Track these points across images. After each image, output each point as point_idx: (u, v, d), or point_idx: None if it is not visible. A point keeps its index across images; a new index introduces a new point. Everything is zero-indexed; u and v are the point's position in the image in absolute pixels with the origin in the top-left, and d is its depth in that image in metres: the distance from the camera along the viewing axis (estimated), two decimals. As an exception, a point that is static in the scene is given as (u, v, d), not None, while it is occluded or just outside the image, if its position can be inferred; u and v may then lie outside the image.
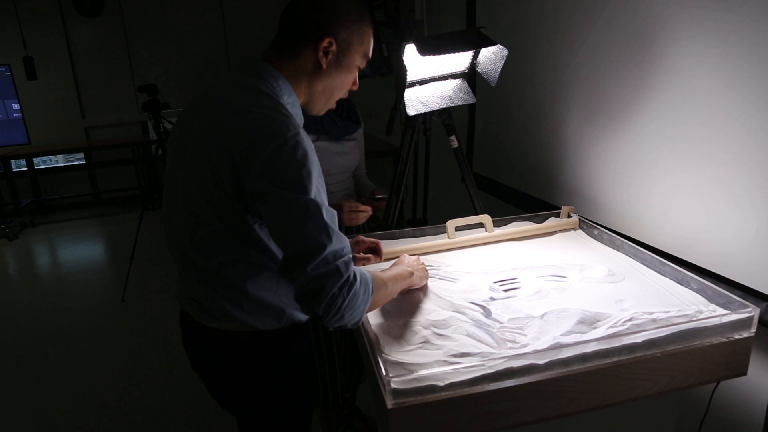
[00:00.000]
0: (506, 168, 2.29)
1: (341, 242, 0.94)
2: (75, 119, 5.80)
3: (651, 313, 1.05)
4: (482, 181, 2.40)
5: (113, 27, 5.70)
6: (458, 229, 1.54)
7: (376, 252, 1.37)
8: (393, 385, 0.86)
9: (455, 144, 1.80)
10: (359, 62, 1.12)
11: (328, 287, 0.90)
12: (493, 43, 1.51)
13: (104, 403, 2.49)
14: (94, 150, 5.73)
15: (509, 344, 1.02)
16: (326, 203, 0.96)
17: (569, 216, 1.61)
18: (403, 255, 1.29)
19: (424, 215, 2.09)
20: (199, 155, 1.01)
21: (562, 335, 1.01)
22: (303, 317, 1.15)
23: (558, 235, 1.58)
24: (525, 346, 1.00)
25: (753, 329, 1.01)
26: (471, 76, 1.71)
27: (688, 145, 1.34)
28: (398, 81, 1.56)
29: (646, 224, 1.51)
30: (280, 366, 1.16)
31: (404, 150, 1.77)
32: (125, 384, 2.64)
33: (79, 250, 4.71)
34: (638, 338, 0.96)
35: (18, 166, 5.69)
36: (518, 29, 2.06)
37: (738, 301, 1.05)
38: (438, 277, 1.31)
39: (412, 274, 1.19)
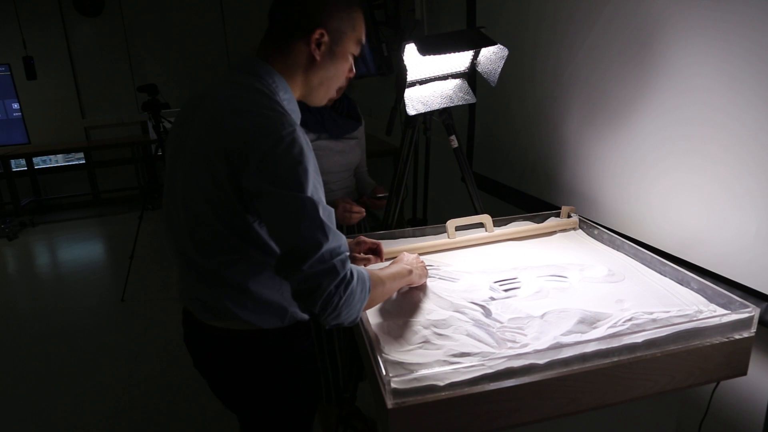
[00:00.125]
0: (506, 168, 2.29)
1: (338, 240, 0.94)
2: (75, 119, 5.80)
3: (651, 313, 1.05)
4: (482, 181, 2.40)
5: (113, 27, 5.70)
6: (458, 228, 1.54)
7: (377, 253, 1.37)
8: (393, 385, 0.86)
9: (455, 144, 1.80)
10: (353, 49, 1.10)
11: (324, 285, 0.90)
12: (493, 43, 1.51)
13: (104, 403, 2.49)
14: (94, 150, 5.73)
15: (509, 344, 1.02)
16: (323, 201, 0.96)
17: (569, 216, 1.61)
18: (403, 253, 1.29)
19: (424, 215, 2.09)
20: (197, 155, 1.01)
21: (562, 335, 1.01)
22: (306, 315, 1.15)
23: (558, 235, 1.58)
24: (525, 345, 1.00)
25: (753, 329, 1.01)
26: (471, 75, 1.71)
27: (688, 145, 1.34)
28: (398, 81, 1.56)
29: (646, 224, 1.51)
30: (283, 365, 1.16)
31: (404, 150, 1.77)
32: (125, 384, 2.64)
33: (78, 250, 4.71)
34: (638, 338, 0.96)
35: (18, 165, 5.69)
36: (518, 29, 2.06)
37: (738, 301, 1.05)
38: (438, 276, 1.31)
39: (410, 272, 1.19)
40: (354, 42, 1.10)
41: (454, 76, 1.69)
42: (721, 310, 1.07)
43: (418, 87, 1.63)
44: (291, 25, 1.05)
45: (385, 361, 0.95)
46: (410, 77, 1.54)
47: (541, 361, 0.92)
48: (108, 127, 5.95)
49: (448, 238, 1.51)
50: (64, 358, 2.91)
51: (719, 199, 1.28)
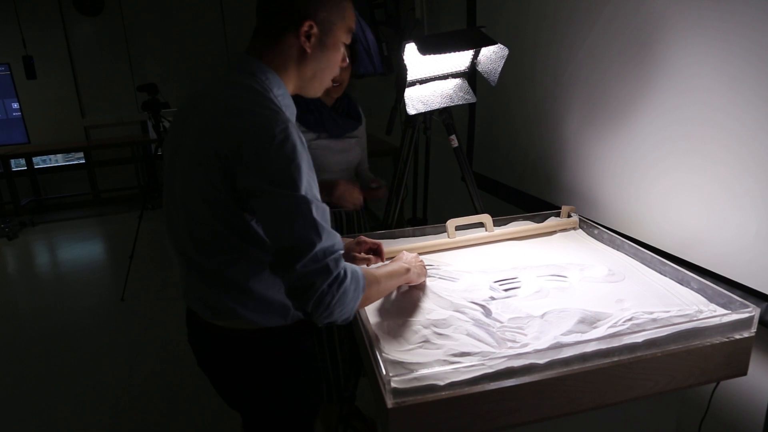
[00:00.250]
0: (506, 168, 2.29)
1: (331, 239, 0.94)
2: (75, 118, 5.80)
3: (651, 313, 1.05)
4: (482, 181, 2.40)
5: (113, 26, 5.69)
6: (458, 228, 1.54)
7: (377, 253, 1.37)
8: (393, 385, 0.86)
9: (455, 143, 1.80)
10: (344, 38, 1.09)
11: (317, 284, 0.90)
12: (493, 43, 1.51)
13: (104, 403, 2.49)
14: (94, 149, 5.73)
15: (509, 344, 1.02)
16: (318, 198, 0.96)
17: (569, 216, 1.61)
18: (402, 252, 1.29)
19: (424, 215, 2.09)
20: (194, 155, 1.01)
21: (562, 335, 1.01)
22: None
23: (558, 234, 1.58)
24: (525, 345, 1.00)
25: (753, 329, 1.01)
26: (471, 75, 1.71)
27: (688, 145, 1.34)
28: (398, 80, 1.56)
29: (646, 224, 1.51)
30: (287, 363, 1.16)
31: (404, 149, 1.77)
32: (125, 384, 2.64)
33: (78, 250, 4.71)
34: (638, 338, 0.96)
35: (17, 165, 5.68)
36: (518, 29, 2.06)
37: (738, 301, 1.05)
38: (438, 276, 1.31)
39: (408, 270, 1.19)
40: (344, 31, 1.09)
41: (454, 75, 1.69)
42: (721, 310, 1.07)
43: (418, 86, 1.63)
44: (279, 20, 1.04)
45: (385, 361, 0.95)
46: (410, 77, 1.54)
47: (541, 361, 0.92)
48: (108, 127, 5.95)
49: (448, 237, 1.51)
50: (64, 358, 2.91)
51: (719, 199, 1.28)
